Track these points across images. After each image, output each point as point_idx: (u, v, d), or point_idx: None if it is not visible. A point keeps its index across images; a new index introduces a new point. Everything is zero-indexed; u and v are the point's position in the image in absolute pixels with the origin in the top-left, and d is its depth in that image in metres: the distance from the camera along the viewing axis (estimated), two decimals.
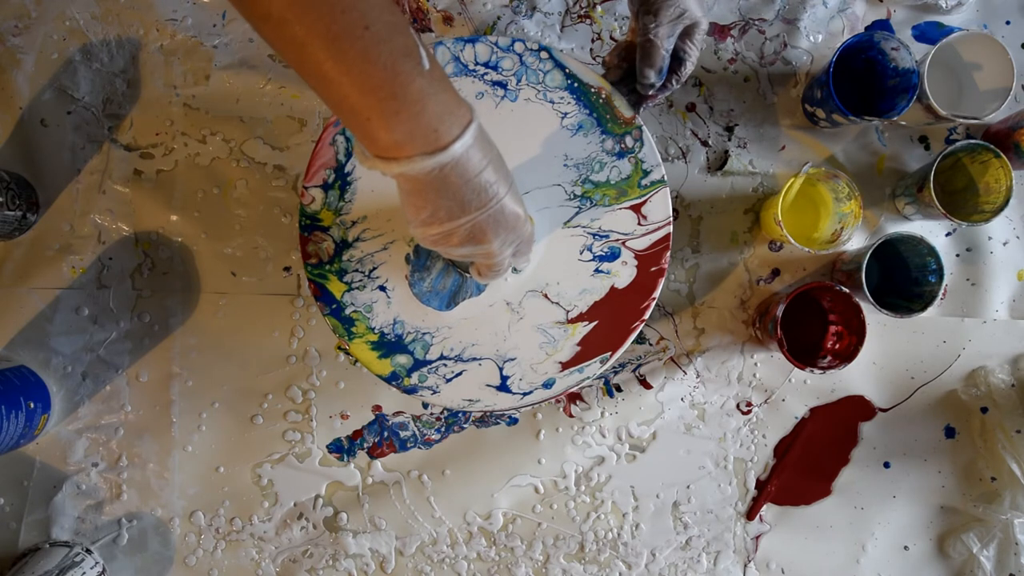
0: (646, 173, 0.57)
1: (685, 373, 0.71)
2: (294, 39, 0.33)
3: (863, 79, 0.69)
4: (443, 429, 0.70)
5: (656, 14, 0.52)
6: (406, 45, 0.35)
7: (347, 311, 0.57)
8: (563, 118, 0.57)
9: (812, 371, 0.63)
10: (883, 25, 0.72)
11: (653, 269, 0.57)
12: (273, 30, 0.33)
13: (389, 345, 0.57)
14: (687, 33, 0.54)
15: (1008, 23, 0.73)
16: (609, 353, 0.56)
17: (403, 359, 0.57)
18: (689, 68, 0.56)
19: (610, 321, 0.57)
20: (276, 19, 0.33)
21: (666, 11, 0.52)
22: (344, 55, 0.34)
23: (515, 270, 0.57)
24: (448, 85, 0.38)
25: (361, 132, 0.38)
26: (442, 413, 0.70)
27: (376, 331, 0.57)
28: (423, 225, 0.42)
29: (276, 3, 0.32)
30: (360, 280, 0.57)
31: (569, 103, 0.57)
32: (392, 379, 0.57)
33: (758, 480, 0.71)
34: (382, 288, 0.57)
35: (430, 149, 0.37)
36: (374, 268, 0.57)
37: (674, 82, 0.57)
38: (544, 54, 0.57)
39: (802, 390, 0.71)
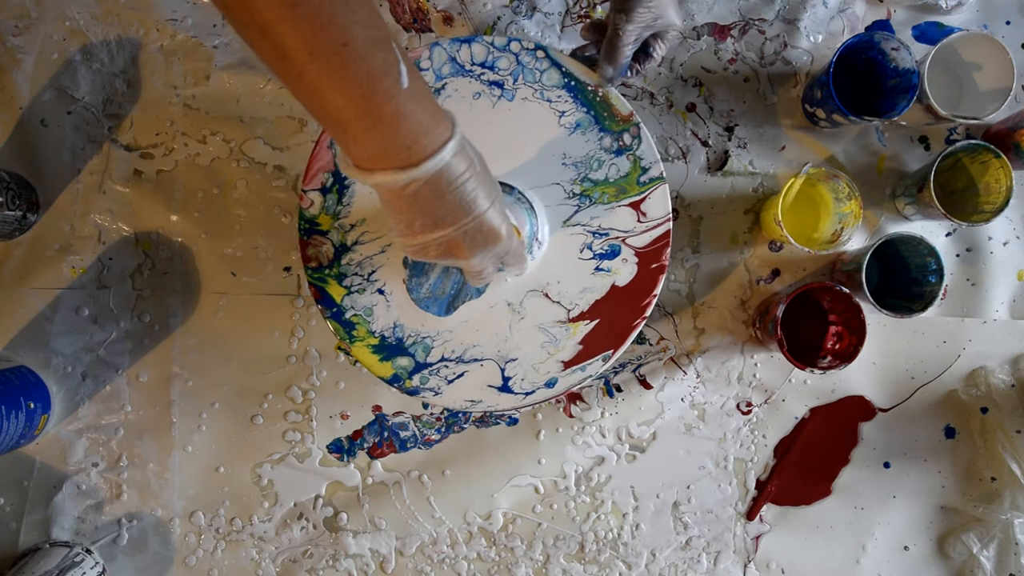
0: (644, 170, 0.57)
1: (685, 373, 0.71)
2: (274, 48, 0.33)
3: (863, 79, 0.69)
4: (443, 429, 0.70)
5: (628, 13, 0.51)
6: (385, 62, 0.35)
7: (347, 315, 0.57)
8: (560, 117, 0.57)
9: (812, 371, 0.63)
10: (883, 25, 0.72)
11: (654, 266, 0.57)
12: (255, 38, 0.34)
13: (390, 348, 0.57)
14: (659, 34, 0.54)
15: (1008, 23, 0.73)
16: (611, 351, 0.56)
17: (404, 361, 0.57)
18: (653, 65, 0.56)
19: (612, 319, 0.57)
20: (258, 28, 0.33)
21: (639, 13, 0.51)
22: (321, 70, 0.34)
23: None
24: (428, 103, 0.38)
25: (339, 141, 0.38)
26: (442, 413, 0.70)
27: (376, 335, 0.56)
28: (400, 235, 0.42)
29: (259, 13, 0.32)
30: (359, 283, 0.57)
31: (566, 101, 0.57)
32: (394, 381, 0.57)
33: (758, 480, 0.71)
34: (381, 292, 0.57)
35: (401, 165, 0.38)
36: (373, 271, 0.57)
37: (633, 73, 0.56)
38: (540, 53, 0.57)
39: (802, 390, 0.71)
